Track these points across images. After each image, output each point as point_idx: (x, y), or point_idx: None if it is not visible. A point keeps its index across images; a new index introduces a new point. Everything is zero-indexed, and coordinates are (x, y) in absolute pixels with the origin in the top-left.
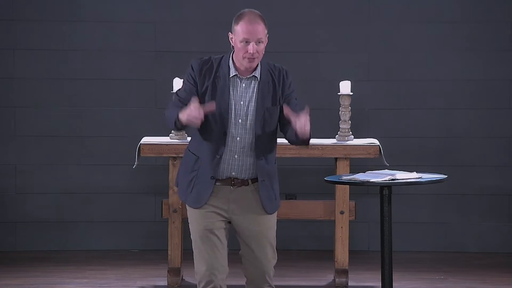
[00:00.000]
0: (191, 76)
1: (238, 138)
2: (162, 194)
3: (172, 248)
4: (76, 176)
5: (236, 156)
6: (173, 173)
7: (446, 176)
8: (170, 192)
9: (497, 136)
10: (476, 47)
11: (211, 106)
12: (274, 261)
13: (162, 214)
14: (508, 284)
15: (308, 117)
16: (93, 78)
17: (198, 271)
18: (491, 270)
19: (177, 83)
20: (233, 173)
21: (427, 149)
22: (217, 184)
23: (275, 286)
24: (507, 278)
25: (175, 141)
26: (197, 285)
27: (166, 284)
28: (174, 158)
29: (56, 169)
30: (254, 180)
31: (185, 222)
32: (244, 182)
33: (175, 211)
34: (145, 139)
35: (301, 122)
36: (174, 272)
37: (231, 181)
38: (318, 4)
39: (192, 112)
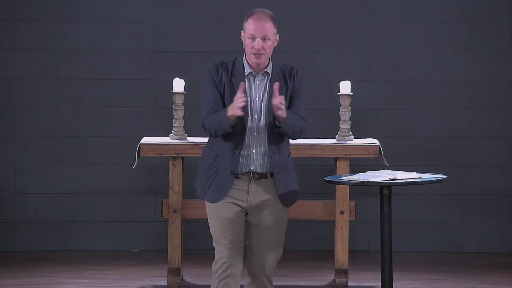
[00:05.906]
0: (210, 78)
1: (254, 133)
2: (162, 194)
3: (172, 248)
4: (76, 176)
5: (253, 151)
6: (173, 173)
7: (446, 176)
8: (170, 192)
9: (497, 136)
10: (476, 47)
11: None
12: (277, 257)
13: (162, 214)
14: (508, 284)
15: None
16: (93, 78)
17: (216, 260)
18: (491, 270)
19: (177, 83)
20: (252, 168)
21: (427, 149)
22: (237, 178)
23: (276, 286)
24: (507, 278)
25: (175, 141)
26: (213, 274)
27: (166, 284)
28: (174, 158)
29: (56, 169)
30: (272, 174)
31: (185, 222)
32: (263, 176)
33: (175, 211)
34: (145, 139)
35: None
36: (174, 272)
37: (251, 175)
38: (318, 4)
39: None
